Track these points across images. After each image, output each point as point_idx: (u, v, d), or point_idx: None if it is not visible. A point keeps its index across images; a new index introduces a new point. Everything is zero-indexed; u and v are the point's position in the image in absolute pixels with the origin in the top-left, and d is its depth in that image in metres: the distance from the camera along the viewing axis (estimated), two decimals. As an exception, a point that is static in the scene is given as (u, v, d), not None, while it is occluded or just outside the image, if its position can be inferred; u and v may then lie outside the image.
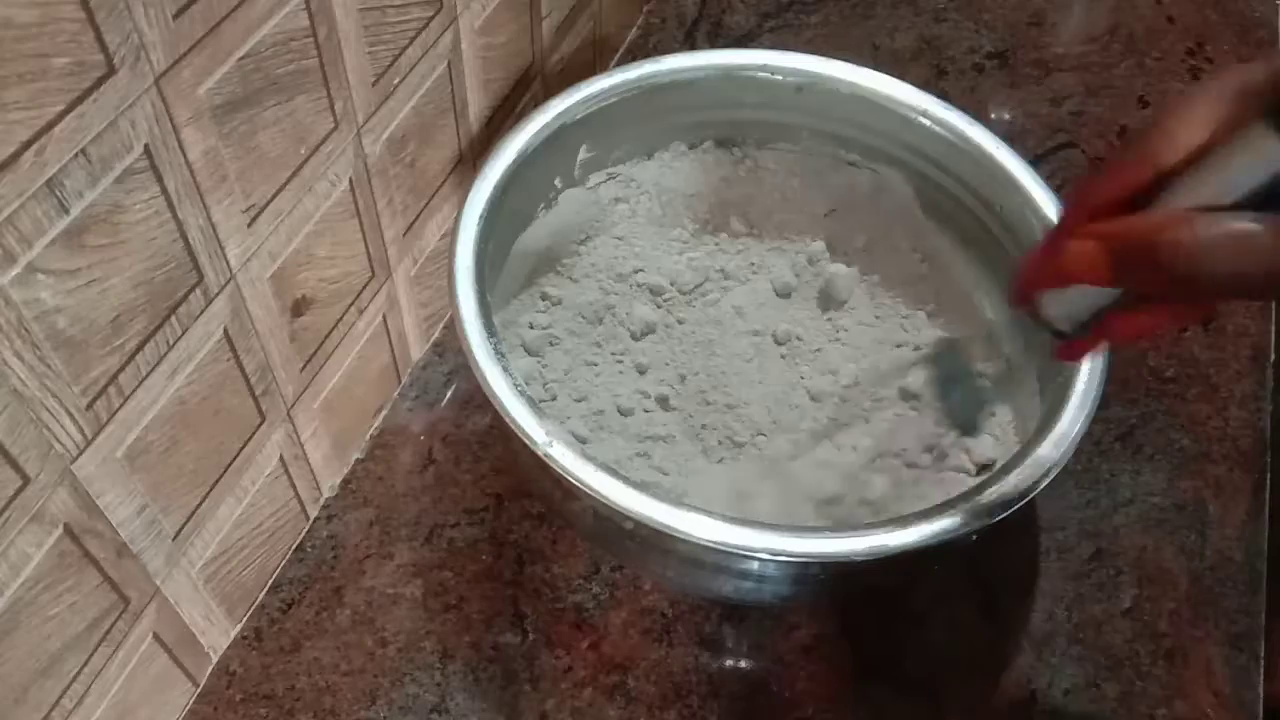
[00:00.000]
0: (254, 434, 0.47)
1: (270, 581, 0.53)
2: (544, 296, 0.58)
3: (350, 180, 0.48)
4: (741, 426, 0.55)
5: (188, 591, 0.46)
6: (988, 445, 0.52)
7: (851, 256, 0.60)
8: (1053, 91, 0.77)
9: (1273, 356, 0.63)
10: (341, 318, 0.52)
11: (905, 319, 0.58)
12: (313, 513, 0.55)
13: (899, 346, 0.57)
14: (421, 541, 0.55)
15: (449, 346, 0.62)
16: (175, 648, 0.47)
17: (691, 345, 0.57)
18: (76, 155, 0.32)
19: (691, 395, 0.56)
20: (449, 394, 0.60)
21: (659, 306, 0.58)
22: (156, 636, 0.45)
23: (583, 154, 0.58)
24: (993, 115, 0.75)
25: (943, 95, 0.56)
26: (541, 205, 0.57)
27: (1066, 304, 0.37)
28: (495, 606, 0.53)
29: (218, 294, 0.42)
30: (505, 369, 0.45)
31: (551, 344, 0.56)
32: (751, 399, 0.56)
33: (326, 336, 0.51)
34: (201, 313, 0.41)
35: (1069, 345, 0.39)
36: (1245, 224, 0.28)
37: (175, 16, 0.34)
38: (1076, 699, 0.51)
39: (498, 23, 0.57)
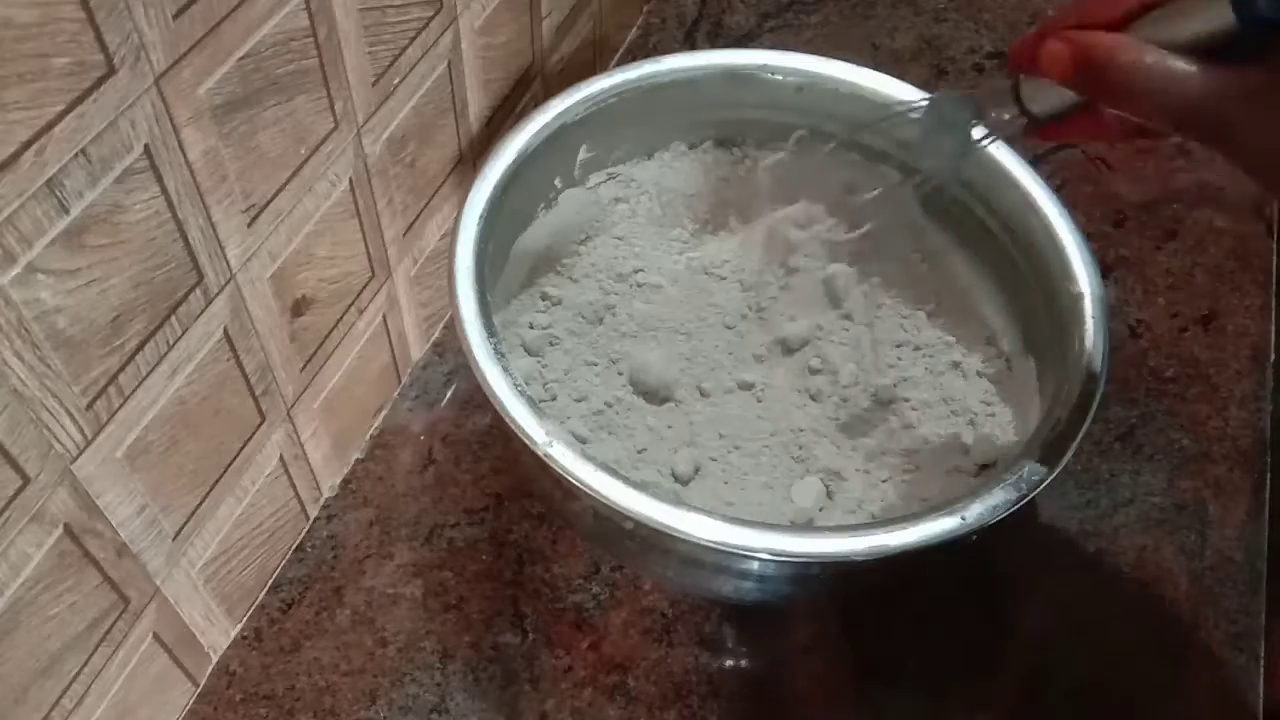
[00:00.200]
0: (254, 434, 0.47)
1: (270, 581, 0.53)
2: (544, 296, 0.58)
3: (350, 180, 0.48)
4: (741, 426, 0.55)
5: (188, 591, 0.46)
6: (988, 445, 0.52)
7: (851, 257, 0.60)
8: (1053, 91, 0.77)
9: (1273, 356, 0.63)
10: (341, 318, 0.52)
11: (905, 319, 0.58)
12: (313, 513, 0.55)
13: (899, 346, 0.57)
14: (421, 541, 0.55)
15: (449, 346, 0.62)
16: (175, 648, 0.47)
17: (691, 345, 0.57)
18: (76, 155, 0.32)
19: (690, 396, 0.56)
20: (449, 394, 0.60)
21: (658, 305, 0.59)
22: (156, 636, 0.45)
23: (583, 154, 0.58)
24: (993, 115, 0.75)
25: (943, 95, 0.56)
26: (541, 205, 0.57)
27: (1040, 92, 0.42)
28: (495, 606, 0.53)
29: (218, 294, 0.42)
30: (505, 369, 0.45)
31: (551, 344, 0.56)
32: (750, 398, 0.56)
33: (326, 336, 0.51)
34: (201, 313, 0.41)
35: (1038, 129, 0.44)
36: (1179, 64, 0.34)
37: (175, 16, 0.34)
38: (1076, 699, 0.51)
39: (498, 23, 0.57)
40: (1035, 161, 0.54)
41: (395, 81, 0.49)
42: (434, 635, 0.52)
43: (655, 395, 0.55)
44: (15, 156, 0.30)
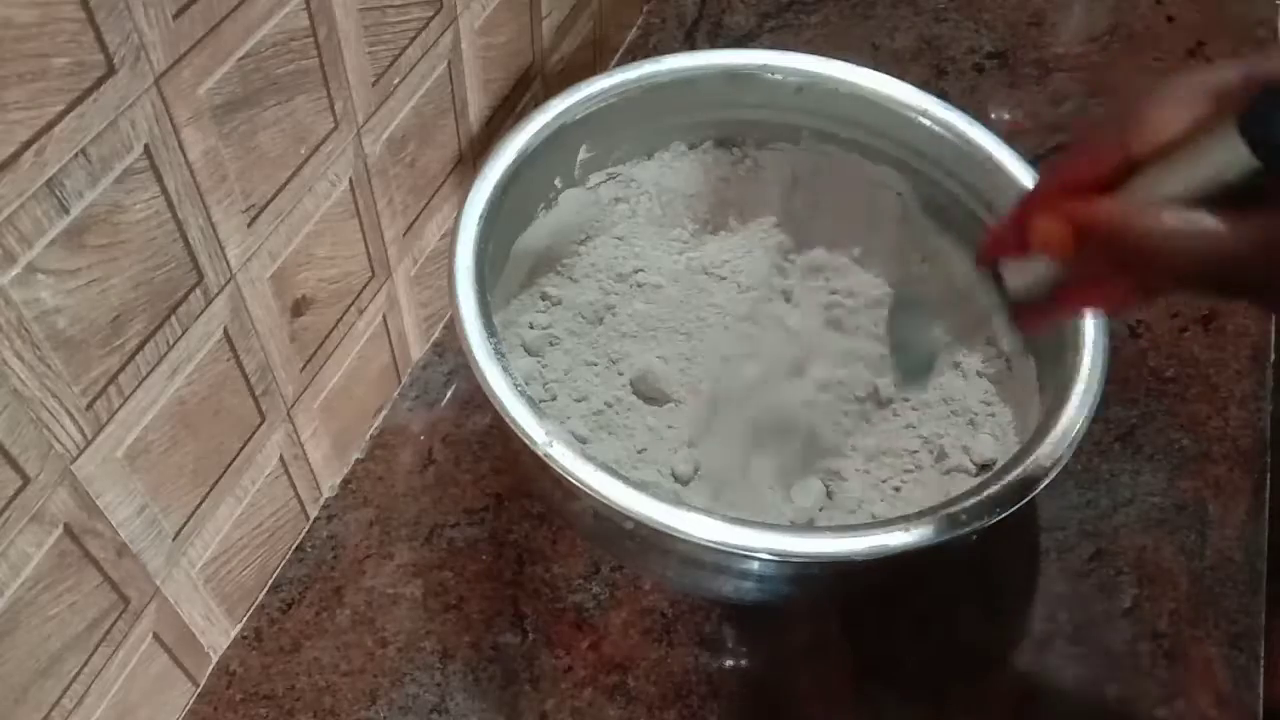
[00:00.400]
0: (254, 434, 0.47)
1: (270, 581, 0.53)
2: (544, 296, 0.58)
3: (350, 180, 0.48)
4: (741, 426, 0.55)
5: (188, 591, 0.46)
6: (988, 445, 0.52)
7: (852, 256, 0.60)
8: (1052, 91, 0.77)
9: (1273, 356, 0.63)
10: (341, 318, 0.52)
11: (905, 319, 0.58)
12: (313, 513, 0.55)
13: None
14: (421, 541, 0.55)
15: (449, 346, 0.62)
16: (175, 648, 0.47)
17: (691, 345, 0.57)
18: (76, 155, 0.32)
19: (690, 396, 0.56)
20: (449, 394, 0.60)
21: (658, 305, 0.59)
22: (156, 636, 0.45)
23: (583, 154, 0.58)
24: (993, 115, 0.75)
25: (943, 95, 0.56)
26: (541, 205, 0.57)
27: (1026, 273, 0.39)
28: (495, 606, 0.53)
29: (218, 294, 0.42)
30: (505, 369, 0.45)
31: (551, 344, 0.56)
32: (750, 399, 0.56)
33: (326, 336, 0.51)
34: (201, 313, 0.41)
35: (1025, 313, 0.40)
36: (1205, 220, 0.30)
37: (175, 16, 0.34)
38: (1076, 699, 0.51)
39: (498, 23, 0.57)
40: (1035, 161, 0.54)
41: (395, 81, 0.49)
42: (434, 635, 0.52)
43: (655, 395, 0.55)
44: (15, 156, 0.30)
